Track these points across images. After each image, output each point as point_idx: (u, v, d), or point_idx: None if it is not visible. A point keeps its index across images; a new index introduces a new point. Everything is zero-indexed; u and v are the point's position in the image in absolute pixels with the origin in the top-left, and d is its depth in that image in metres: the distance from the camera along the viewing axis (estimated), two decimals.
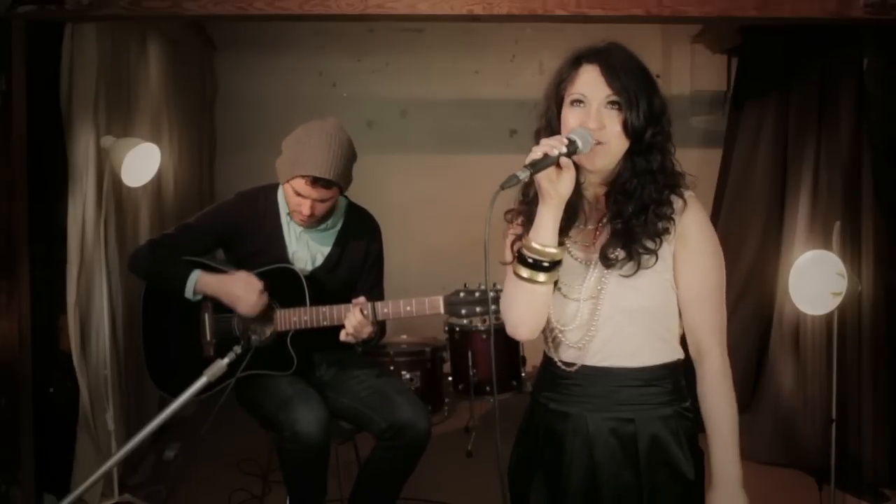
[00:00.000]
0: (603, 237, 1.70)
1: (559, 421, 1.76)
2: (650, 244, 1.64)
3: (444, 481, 3.59)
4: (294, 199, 2.70)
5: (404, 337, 4.72)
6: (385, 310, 2.69)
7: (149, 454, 3.96)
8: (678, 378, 1.75)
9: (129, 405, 3.68)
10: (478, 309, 2.70)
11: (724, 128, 4.88)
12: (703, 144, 5.19)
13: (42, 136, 3.08)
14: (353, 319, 2.61)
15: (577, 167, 1.61)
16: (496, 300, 1.76)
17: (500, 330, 4.22)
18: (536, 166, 1.52)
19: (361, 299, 2.67)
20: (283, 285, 2.75)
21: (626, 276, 1.65)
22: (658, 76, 1.71)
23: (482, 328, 4.36)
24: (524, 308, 1.67)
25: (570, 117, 1.64)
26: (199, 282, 2.74)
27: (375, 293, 2.84)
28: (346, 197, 2.91)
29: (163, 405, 1.96)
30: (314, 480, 2.73)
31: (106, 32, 3.35)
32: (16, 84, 2.86)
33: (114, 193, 3.45)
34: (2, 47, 2.82)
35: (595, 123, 1.61)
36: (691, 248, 1.68)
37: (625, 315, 1.67)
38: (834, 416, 3.14)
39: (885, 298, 3.65)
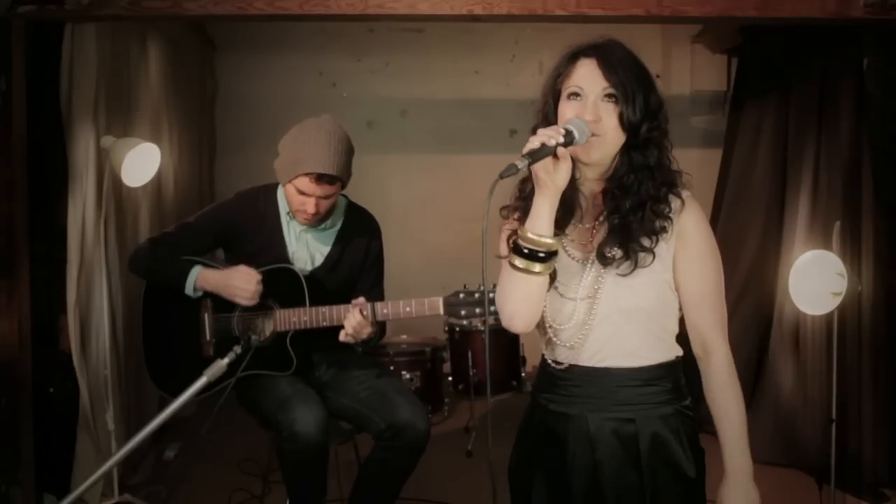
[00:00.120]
0: (600, 236, 1.70)
1: (560, 422, 1.75)
2: (647, 242, 1.64)
3: (444, 481, 3.59)
4: (298, 199, 2.69)
5: (404, 337, 4.72)
6: (384, 310, 2.69)
7: (149, 454, 3.96)
8: (677, 376, 1.75)
9: (129, 405, 3.68)
10: (477, 310, 2.70)
11: (724, 128, 4.89)
12: (703, 144, 5.20)
13: (42, 136, 3.08)
14: (353, 320, 2.61)
15: (574, 162, 1.61)
16: (493, 301, 1.75)
17: (500, 330, 4.25)
18: (534, 156, 1.52)
19: (361, 300, 2.67)
20: (283, 285, 2.75)
21: (623, 276, 1.65)
22: (658, 76, 1.71)
23: (482, 328, 4.36)
24: (519, 299, 1.66)
25: (567, 110, 1.65)
26: (200, 277, 2.74)
27: (375, 293, 2.84)
28: (345, 197, 2.91)
29: (163, 405, 1.96)
30: (313, 480, 2.73)
31: (106, 32, 3.35)
32: (16, 84, 2.86)
33: (114, 193, 3.45)
34: (2, 47, 2.82)
35: (591, 115, 1.61)
36: (692, 248, 1.68)
37: (622, 315, 1.67)
38: (834, 416, 3.14)
39: (885, 298, 3.65)
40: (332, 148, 2.64)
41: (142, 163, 3.26)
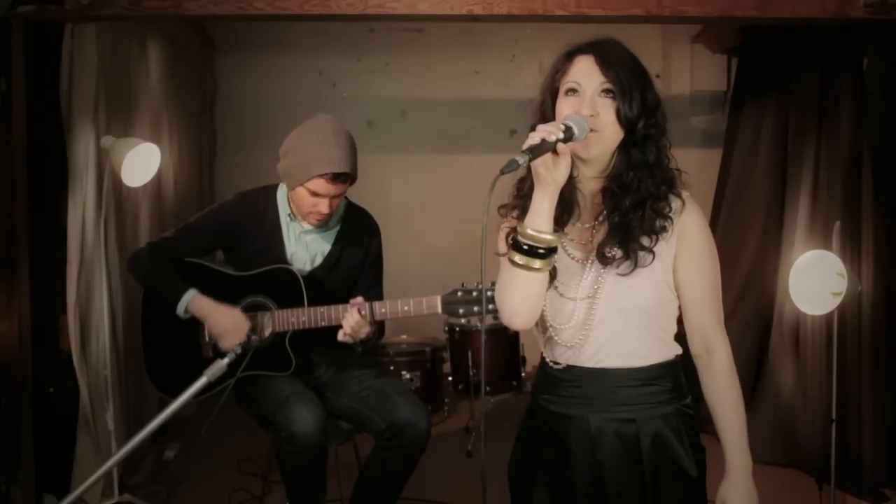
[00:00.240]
0: (599, 235, 1.70)
1: (560, 423, 1.75)
2: (646, 241, 1.64)
3: (444, 481, 3.59)
4: (310, 201, 2.69)
5: (404, 337, 4.72)
6: (383, 310, 2.69)
7: (149, 454, 3.96)
8: (678, 375, 1.75)
9: (129, 405, 3.68)
10: (475, 308, 2.70)
11: (724, 128, 4.88)
12: (703, 144, 5.20)
13: (42, 136, 3.08)
14: (351, 320, 2.61)
15: (572, 161, 1.61)
16: (493, 298, 1.75)
17: (500, 330, 4.28)
18: (535, 151, 1.52)
19: (359, 299, 2.66)
20: (281, 286, 2.75)
21: (623, 275, 1.65)
22: (658, 76, 1.72)
23: (482, 327, 4.36)
24: (519, 296, 1.66)
25: (565, 106, 1.65)
26: (192, 303, 2.73)
27: (374, 293, 2.84)
28: (346, 197, 2.91)
29: (163, 405, 1.96)
30: (313, 480, 2.73)
31: (106, 32, 3.35)
32: (16, 84, 2.86)
33: (114, 193, 3.45)
34: (2, 47, 2.82)
35: (589, 110, 1.62)
36: (694, 249, 1.69)
37: (622, 315, 1.68)
38: (834, 416, 3.14)
39: (885, 298, 3.65)
40: (341, 146, 2.64)
41: (142, 163, 3.26)
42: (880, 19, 2.94)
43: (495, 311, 1.76)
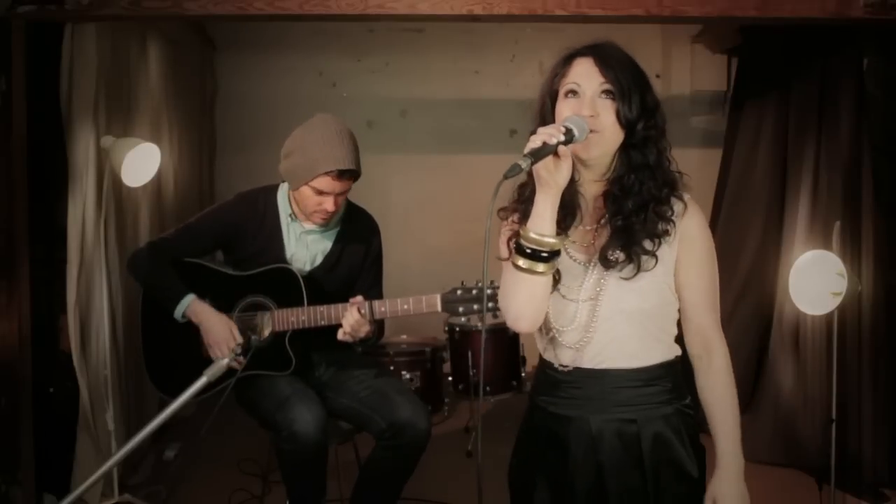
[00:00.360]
0: (602, 238, 1.70)
1: (561, 424, 1.75)
2: (649, 245, 1.65)
3: (444, 481, 3.59)
4: (315, 200, 2.69)
5: (404, 337, 4.72)
6: (382, 308, 2.69)
7: (149, 454, 3.96)
8: (677, 376, 1.75)
9: (129, 405, 3.68)
10: (475, 307, 2.69)
11: (724, 128, 4.88)
12: (703, 144, 5.20)
13: (42, 136, 3.08)
14: (351, 318, 2.61)
15: (573, 163, 1.62)
16: (493, 297, 1.76)
17: (499, 330, 4.28)
18: (537, 155, 1.52)
19: (359, 298, 2.67)
20: (281, 285, 2.75)
21: (626, 279, 1.65)
22: (658, 76, 1.73)
23: (482, 326, 4.35)
24: (524, 300, 1.66)
25: (565, 108, 1.65)
26: (190, 308, 2.74)
27: (374, 293, 2.84)
28: (346, 197, 2.91)
29: (163, 405, 1.96)
30: (313, 480, 2.73)
31: (106, 32, 3.35)
32: (16, 84, 2.86)
33: (114, 193, 3.45)
34: (2, 47, 2.82)
35: (589, 111, 1.62)
36: (695, 251, 1.70)
37: (623, 316, 1.68)
38: (834, 416, 3.14)
39: (885, 298, 3.65)
40: (345, 144, 2.65)
41: (142, 163, 3.26)
42: (880, 19, 2.94)
43: (496, 310, 1.76)
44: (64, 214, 3.19)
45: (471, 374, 4.32)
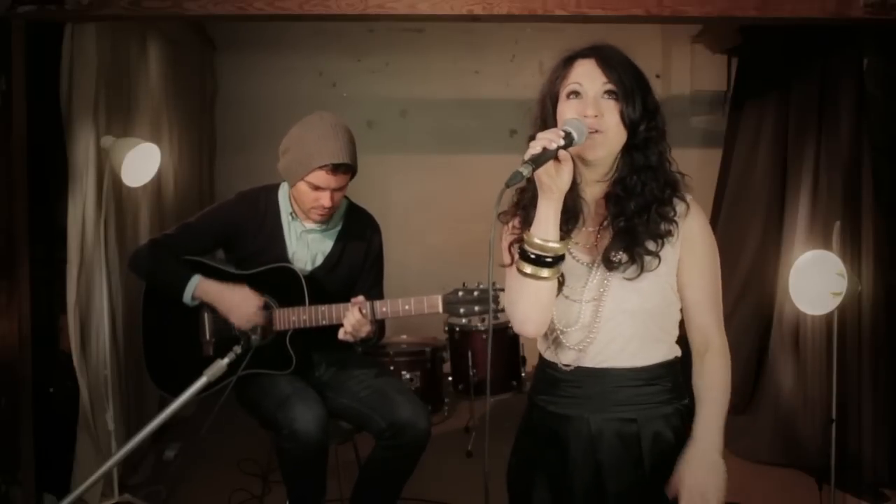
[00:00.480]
0: (604, 239, 1.70)
1: (560, 423, 1.76)
2: (652, 245, 1.65)
3: (444, 481, 3.59)
4: (312, 196, 2.69)
5: (404, 337, 4.72)
6: (384, 309, 2.70)
7: (149, 454, 3.96)
8: (677, 376, 1.76)
9: (129, 405, 3.68)
10: (476, 308, 2.70)
11: (724, 128, 4.89)
12: (703, 144, 5.20)
13: (42, 136, 3.08)
14: (352, 318, 2.61)
15: (575, 166, 1.62)
16: (494, 298, 1.76)
17: (500, 330, 4.27)
18: (537, 161, 1.52)
19: (360, 298, 2.67)
20: (282, 285, 2.76)
21: (630, 280, 1.66)
22: (658, 76, 1.73)
23: (482, 328, 4.36)
24: (529, 305, 1.67)
25: (567, 110, 1.65)
26: (198, 288, 2.74)
27: (375, 293, 2.84)
28: (346, 197, 2.92)
29: (163, 405, 1.96)
30: (313, 480, 2.73)
31: (106, 32, 3.35)
32: (16, 84, 2.86)
33: (114, 193, 3.45)
34: (2, 47, 2.82)
35: (594, 111, 1.62)
36: (698, 252, 1.70)
37: (626, 316, 1.68)
38: (834, 416, 3.14)
39: (885, 298, 3.65)
40: (340, 138, 2.66)
41: (142, 163, 3.26)
42: (880, 19, 2.94)
43: (497, 311, 1.77)
44: (64, 214, 3.19)
45: (471, 374, 4.32)
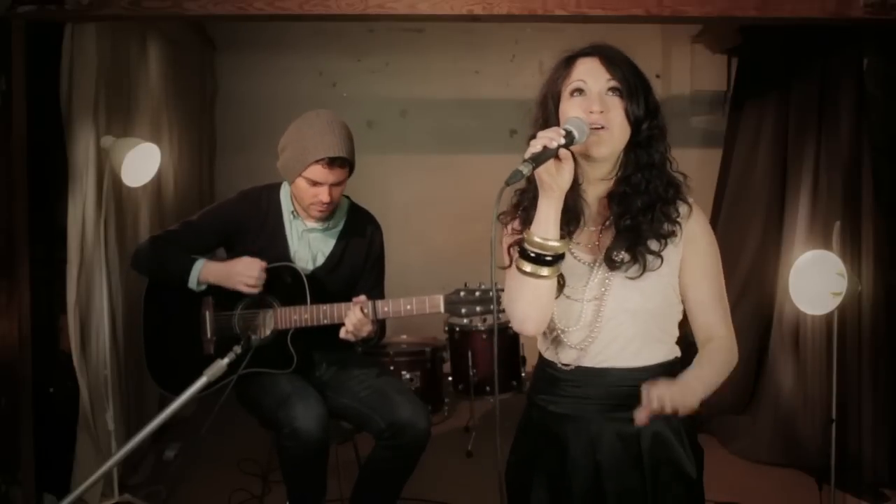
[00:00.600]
0: (606, 238, 1.70)
1: (559, 423, 1.76)
2: (655, 245, 1.65)
3: (444, 481, 3.59)
4: (310, 192, 2.70)
5: (404, 337, 4.72)
6: (385, 308, 2.70)
7: (149, 454, 3.96)
8: (676, 376, 1.75)
9: (129, 405, 3.68)
10: (478, 308, 2.70)
11: (724, 128, 4.89)
12: (703, 144, 5.20)
13: (42, 136, 3.08)
14: (354, 317, 2.61)
15: (577, 165, 1.62)
16: (499, 299, 1.76)
17: (500, 330, 4.27)
18: (538, 159, 1.52)
19: (362, 297, 2.67)
20: (284, 283, 2.76)
21: (632, 279, 1.65)
22: (658, 76, 1.74)
23: (482, 328, 4.36)
24: (529, 303, 1.67)
25: (571, 108, 1.65)
26: (203, 270, 2.75)
27: (376, 293, 2.84)
28: (348, 198, 2.92)
29: (163, 405, 1.96)
30: (314, 479, 2.73)
31: (106, 32, 3.35)
32: (16, 84, 2.86)
33: (114, 193, 3.45)
34: (2, 47, 2.82)
35: (598, 106, 1.62)
36: (701, 251, 1.71)
37: (627, 316, 1.68)
38: (834, 416, 3.14)
39: (885, 298, 3.65)
40: (335, 133, 2.66)
41: (142, 163, 3.26)
42: (880, 19, 2.94)
43: (499, 311, 1.77)
44: (64, 214, 3.19)
45: (471, 374, 4.32)
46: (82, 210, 3.20)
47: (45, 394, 3.22)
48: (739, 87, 4.75)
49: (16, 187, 2.89)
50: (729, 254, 4.20)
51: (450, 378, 4.53)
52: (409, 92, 5.53)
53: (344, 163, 2.68)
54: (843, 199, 3.77)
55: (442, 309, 2.70)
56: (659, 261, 1.66)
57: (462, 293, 2.71)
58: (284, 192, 2.85)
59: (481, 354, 4.36)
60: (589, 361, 1.72)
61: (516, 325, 1.71)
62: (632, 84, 1.65)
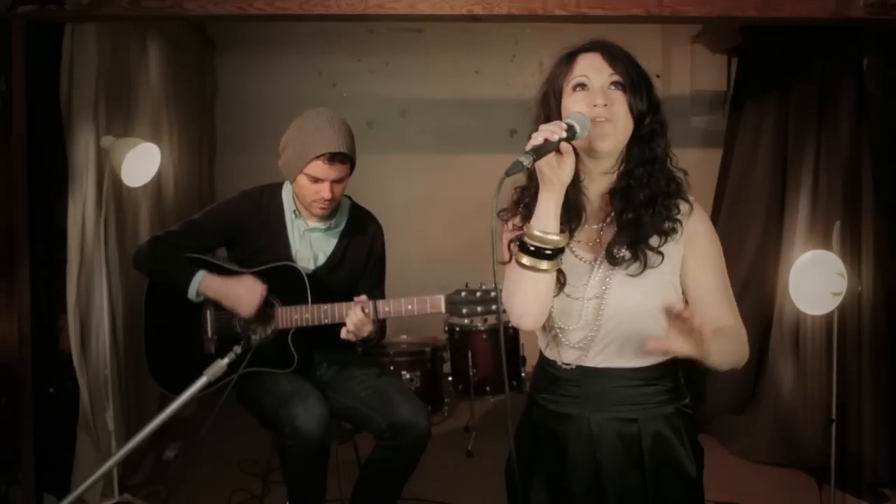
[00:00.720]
0: (607, 236, 1.70)
1: (560, 422, 1.76)
2: (655, 241, 1.65)
3: (444, 481, 3.59)
4: (312, 188, 2.70)
5: (404, 337, 4.72)
6: (386, 308, 2.70)
7: (149, 454, 3.96)
8: (676, 375, 1.75)
9: (129, 405, 3.68)
10: (479, 308, 2.70)
11: (724, 128, 4.89)
12: (703, 144, 5.20)
13: (42, 136, 3.08)
14: (355, 317, 2.61)
15: (579, 161, 1.62)
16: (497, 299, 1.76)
17: (499, 330, 4.25)
18: (539, 151, 1.52)
19: (363, 297, 2.67)
20: (285, 283, 2.76)
21: (632, 276, 1.65)
22: (658, 76, 1.74)
23: (482, 328, 4.36)
24: (528, 297, 1.66)
25: (574, 102, 1.65)
26: (203, 284, 2.75)
27: (376, 294, 2.84)
28: (349, 198, 2.92)
29: (163, 405, 1.96)
30: (314, 479, 2.73)
31: (106, 32, 3.35)
32: (16, 84, 2.86)
33: (114, 193, 3.45)
34: (2, 47, 2.82)
35: (602, 100, 1.62)
36: (703, 247, 1.70)
37: (628, 314, 1.68)
38: (834, 416, 3.14)
39: (885, 298, 3.65)
40: (336, 129, 2.67)
41: (142, 163, 3.26)
42: (880, 19, 2.94)
43: (500, 312, 1.76)
44: (64, 214, 3.19)
45: (471, 373, 4.32)
46: (82, 210, 3.20)
47: (45, 394, 3.22)
48: (739, 87, 4.75)
49: (16, 187, 2.89)
50: (729, 254, 4.15)
51: (450, 378, 4.53)
52: (409, 92, 5.52)
53: (345, 158, 2.69)
54: (843, 199, 3.77)
55: (443, 309, 2.70)
56: (660, 258, 1.65)
57: (463, 293, 2.71)
58: (286, 192, 2.85)
59: (481, 354, 4.36)
60: (589, 361, 1.72)
61: (514, 320, 1.71)
62: (634, 78, 1.65)
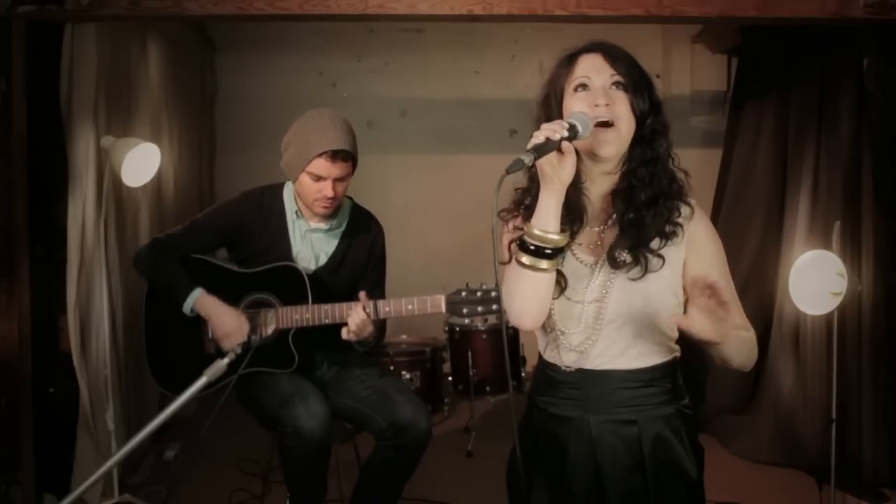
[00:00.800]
0: (608, 238, 1.70)
1: (560, 425, 1.75)
2: (655, 244, 1.65)
3: (444, 481, 3.59)
4: (314, 187, 2.70)
5: (404, 337, 4.72)
6: (387, 308, 2.70)
7: (149, 454, 3.96)
8: (676, 376, 1.75)
9: (129, 405, 3.68)
10: (479, 308, 2.70)
11: (724, 128, 4.89)
12: (703, 144, 5.20)
13: (42, 136, 3.08)
14: (356, 317, 2.62)
15: (581, 162, 1.61)
16: (498, 299, 1.76)
17: (499, 330, 4.26)
18: (540, 150, 1.52)
19: (363, 294, 2.67)
20: (286, 283, 2.76)
21: (633, 280, 1.65)
22: (658, 76, 1.74)
23: (482, 328, 4.36)
24: (527, 297, 1.66)
25: (575, 103, 1.65)
26: (199, 302, 2.75)
27: (377, 294, 2.84)
28: (350, 198, 2.92)
29: (163, 405, 1.96)
30: (315, 479, 2.73)
31: (106, 32, 3.35)
32: (16, 84, 2.86)
33: (114, 193, 3.45)
34: (2, 47, 2.82)
35: (604, 99, 1.62)
36: (705, 248, 1.70)
37: (628, 317, 1.67)
38: (834, 416, 3.14)
39: (885, 298, 3.65)
40: (337, 128, 2.68)
41: (142, 163, 3.26)
42: (880, 19, 2.94)
43: (500, 312, 1.76)
44: (64, 214, 3.19)
45: (471, 374, 4.33)
46: (82, 210, 3.20)
47: (45, 394, 3.22)
48: (739, 87, 4.75)
49: (16, 187, 2.89)
50: (729, 254, 4.16)
51: (450, 378, 4.53)
52: (409, 92, 5.53)
53: (347, 156, 2.69)
54: (843, 199, 3.77)
55: (443, 309, 2.70)
56: (660, 262, 1.65)
57: (464, 293, 2.71)
58: (288, 193, 2.85)
59: (481, 354, 4.36)
60: (589, 364, 1.71)
61: (513, 319, 1.70)
62: (635, 79, 1.65)
